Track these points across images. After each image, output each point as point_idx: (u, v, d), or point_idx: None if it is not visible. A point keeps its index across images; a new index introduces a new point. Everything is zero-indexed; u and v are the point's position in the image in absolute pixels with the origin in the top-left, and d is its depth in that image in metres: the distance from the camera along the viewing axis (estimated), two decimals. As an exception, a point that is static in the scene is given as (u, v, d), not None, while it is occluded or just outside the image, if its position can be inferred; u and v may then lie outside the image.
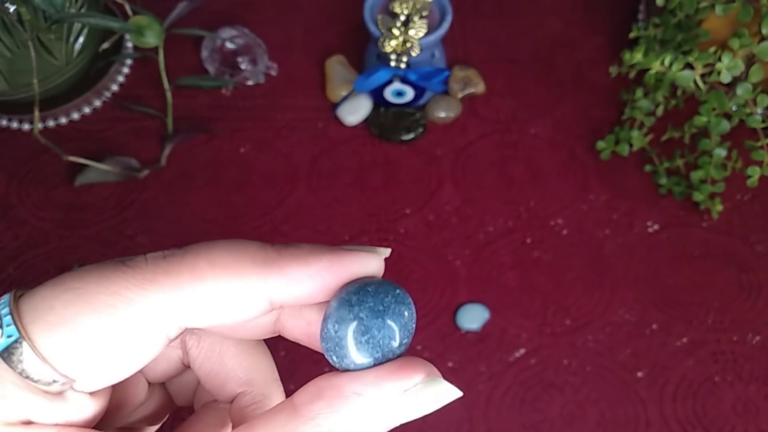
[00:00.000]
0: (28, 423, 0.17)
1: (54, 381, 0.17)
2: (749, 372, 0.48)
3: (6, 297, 0.17)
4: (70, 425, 0.18)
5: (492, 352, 0.49)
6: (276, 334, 0.22)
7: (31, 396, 0.17)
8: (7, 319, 0.17)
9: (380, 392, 0.17)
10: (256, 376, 0.22)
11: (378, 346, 0.18)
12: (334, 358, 0.19)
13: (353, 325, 0.18)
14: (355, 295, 0.18)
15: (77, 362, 0.17)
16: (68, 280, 0.17)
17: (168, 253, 0.18)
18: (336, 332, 0.18)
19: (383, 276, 0.19)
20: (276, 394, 0.23)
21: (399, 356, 0.18)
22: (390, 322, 0.18)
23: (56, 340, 0.17)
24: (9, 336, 0.16)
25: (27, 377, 0.17)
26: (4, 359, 0.17)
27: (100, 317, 0.17)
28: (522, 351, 0.49)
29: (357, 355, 0.18)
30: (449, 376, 0.48)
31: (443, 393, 0.18)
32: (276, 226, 0.54)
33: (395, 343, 0.18)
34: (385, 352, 0.18)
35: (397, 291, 0.19)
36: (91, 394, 0.18)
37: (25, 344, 0.17)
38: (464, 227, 0.53)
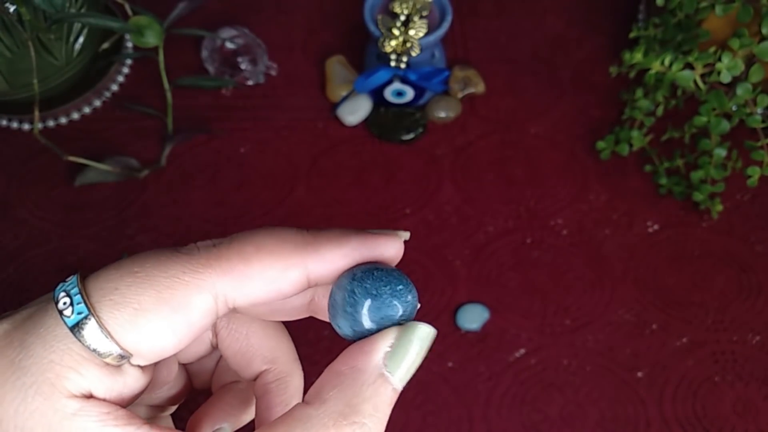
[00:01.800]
0: (89, 396, 0.19)
1: (116, 355, 0.19)
2: (749, 372, 0.48)
3: (73, 278, 0.20)
4: (121, 399, 0.19)
5: (492, 352, 0.49)
6: (309, 315, 0.24)
7: (95, 369, 0.19)
8: (77, 297, 0.19)
9: (372, 356, 0.19)
10: (280, 355, 0.24)
11: (376, 318, 0.20)
12: (339, 324, 0.20)
13: (368, 301, 0.20)
14: (362, 273, 0.20)
15: (137, 338, 0.19)
16: (129, 264, 0.20)
17: (216, 241, 0.20)
18: (341, 302, 0.20)
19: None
20: (297, 372, 0.24)
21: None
22: (391, 300, 0.20)
23: (120, 317, 0.19)
24: (79, 313, 0.19)
25: (93, 350, 0.19)
26: (74, 334, 0.19)
27: (159, 298, 0.19)
28: (522, 351, 0.49)
29: (367, 321, 0.20)
30: (449, 376, 0.48)
31: (420, 335, 0.20)
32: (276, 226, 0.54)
33: (395, 316, 0.20)
34: (383, 322, 0.20)
35: (398, 275, 0.21)
36: (142, 368, 0.20)
37: (93, 320, 0.19)
38: (464, 227, 0.53)
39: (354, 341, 0.20)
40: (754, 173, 0.47)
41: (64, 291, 0.20)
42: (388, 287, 0.20)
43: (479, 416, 0.47)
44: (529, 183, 0.55)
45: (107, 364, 0.19)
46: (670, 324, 0.50)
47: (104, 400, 0.19)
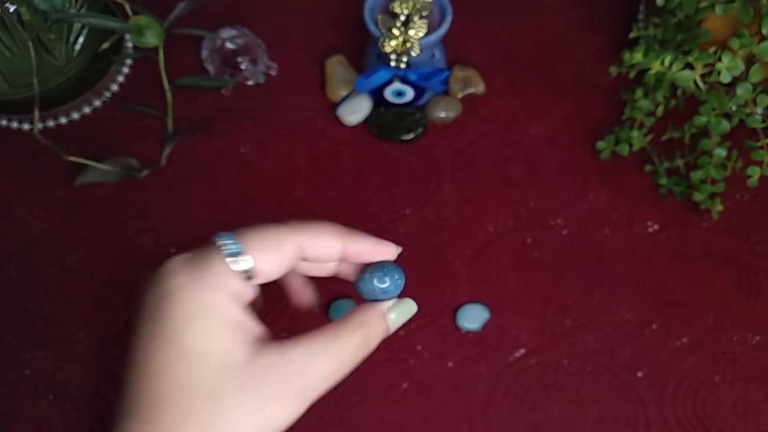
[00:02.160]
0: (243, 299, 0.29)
1: (249, 273, 0.29)
2: (749, 372, 0.48)
3: (229, 234, 0.29)
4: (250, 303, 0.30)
5: (492, 352, 0.49)
6: (333, 275, 0.36)
7: (239, 281, 0.29)
8: (235, 239, 0.29)
9: (381, 306, 0.32)
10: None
11: (384, 291, 0.33)
12: (362, 292, 0.33)
13: (376, 279, 0.33)
14: (378, 268, 0.33)
15: (262, 264, 0.30)
16: (258, 227, 0.30)
17: (302, 220, 0.32)
18: (368, 280, 0.33)
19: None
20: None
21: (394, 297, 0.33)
22: (393, 281, 0.33)
23: (256, 252, 0.29)
24: (238, 248, 0.29)
25: (243, 272, 0.29)
26: (229, 262, 0.29)
27: (273, 246, 0.30)
28: (522, 351, 0.49)
29: (377, 291, 0.33)
30: (449, 375, 0.48)
31: (408, 306, 0.33)
32: (276, 226, 0.54)
33: (394, 291, 0.33)
34: (387, 295, 0.33)
35: (398, 269, 0.34)
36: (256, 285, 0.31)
37: (243, 253, 0.29)
38: (464, 227, 0.53)
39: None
40: (754, 173, 0.47)
41: (225, 237, 0.29)
42: (390, 274, 0.33)
43: (479, 416, 0.47)
44: (529, 183, 0.55)
45: (244, 279, 0.29)
46: (670, 324, 0.50)
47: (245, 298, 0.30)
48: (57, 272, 0.52)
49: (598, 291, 0.51)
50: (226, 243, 0.29)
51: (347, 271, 0.35)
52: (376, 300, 0.33)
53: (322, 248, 0.31)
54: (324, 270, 0.35)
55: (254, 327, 0.29)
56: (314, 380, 0.28)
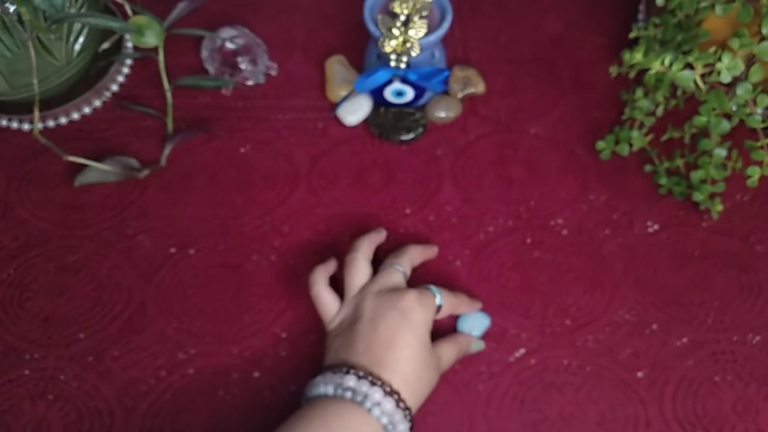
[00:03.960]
0: None
1: (438, 311, 0.47)
2: (749, 372, 0.48)
3: (436, 288, 0.47)
4: None
5: (492, 352, 0.49)
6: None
7: (435, 313, 0.47)
8: (439, 298, 0.47)
9: (467, 336, 0.50)
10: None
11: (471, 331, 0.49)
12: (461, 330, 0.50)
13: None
14: (468, 318, 0.51)
15: (444, 311, 0.48)
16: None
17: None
18: (463, 325, 0.50)
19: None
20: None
21: None
22: (477, 329, 0.51)
23: (445, 307, 0.48)
24: (439, 301, 0.47)
25: (437, 308, 0.47)
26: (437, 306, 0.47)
27: (453, 309, 0.49)
28: (522, 351, 0.49)
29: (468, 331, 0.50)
30: (449, 376, 0.48)
31: (479, 345, 0.49)
32: (276, 226, 0.54)
33: (478, 332, 0.50)
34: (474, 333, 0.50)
35: (483, 317, 0.50)
36: None
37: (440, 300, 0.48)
38: (464, 227, 0.53)
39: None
40: (754, 173, 0.47)
41: (435, 292, 0.47)
42: (478, 324, 0.50)
43: (479, 416, 0.47)
44: (529, 183, 0.55)
45: (436, 312, 0.48)
46: (670, 324, 0.50)
47: None
48: (57, 272, 0.52)
49: (598, 291, 0.51)
50: (436, 293, 0.46)
51: None
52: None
53: (460, 310, 0.49)
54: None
55: None
56: (445, 364, 0.46)
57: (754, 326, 0.50)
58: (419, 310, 0.44)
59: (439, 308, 0.46)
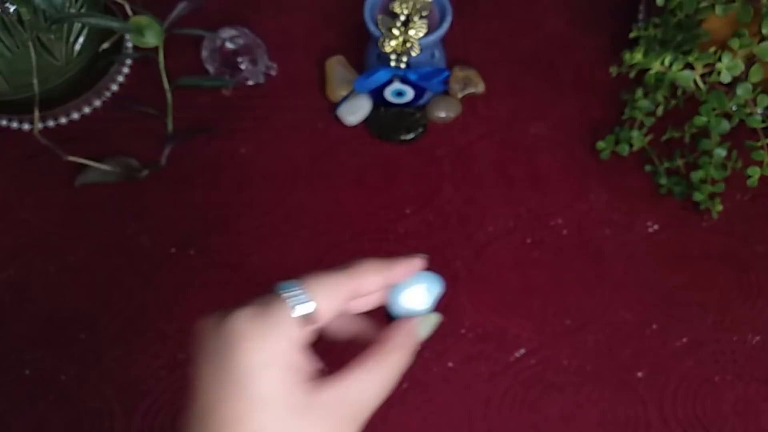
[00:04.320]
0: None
1: (311, 320, 0.31)
2: (749, 372, 0.48)
3: (292, 283, 0.31)
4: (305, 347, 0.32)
5: (492, 352, 0.49)
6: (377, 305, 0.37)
7: (302, 328, 0.31)
8: (305, 296, 0.31)
9: (412, 322, 0.35)
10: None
11: (411, 311, 0.35)
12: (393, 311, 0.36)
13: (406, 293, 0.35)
14: (404, 288, 0.36)
15: (328, 311, 0.32)
16: (318, 281, 0.32)
17: (349, 264, 0.33)
18: (396, 298, 0.35)
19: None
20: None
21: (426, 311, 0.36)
22: (421, 299, 0.36)
23: (317, 299, 0.31)
24: (304, 302, 0.31)
25: (305, 317, 0.31)
26: (298, 311, 0.31)
27: (343, 292, 0.32)
28: (522, 351, 0.49)
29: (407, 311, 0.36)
30: (449, 375, 0.48)
31: (434, 320, 0.36)
32: (276, 226, 0.54)
33: (425, 307, 0.36)
34: (416, 312, 0.36)
35: (429, 282, 0.36)
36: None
37: (311, 302, 0.31)
38: (464, 227, 0.53)
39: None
40: (754, 173, 0.47)
41: (291, 291, 0.31)
42: (418, 293, 0.36)
43: (479, 416, 0.47)
44: (529, 183, 0.55)
45: (306, 324, 0.31)
46: (670, 324, 0.50)
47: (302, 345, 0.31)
48: (57, 272, 0.52)
49: (598, 291, 0.51)
50: (294, 292, 0.31)
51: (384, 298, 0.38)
52: (408, 315, 0.36)
53: (370, 287, 0.34)
54: (368, 305, 0.37)
55: (310, 366, 0.31)
56: (366, 406, 0.32)
57: (754, 326, 0.50)
58: (257, 346, 0.29)
59: (310, 317, 0.31)
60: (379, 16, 0.53)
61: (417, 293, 0.36)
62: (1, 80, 0.52)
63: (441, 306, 0.52)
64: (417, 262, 0.35)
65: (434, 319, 0.36)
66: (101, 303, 0.51)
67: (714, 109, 0.47)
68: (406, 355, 0.34)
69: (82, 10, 0.52)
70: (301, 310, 0.31)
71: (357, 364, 0.32)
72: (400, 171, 0.56)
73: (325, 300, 0.32)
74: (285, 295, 0.31)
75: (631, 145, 0.54)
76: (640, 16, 0.61)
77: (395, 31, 0.52)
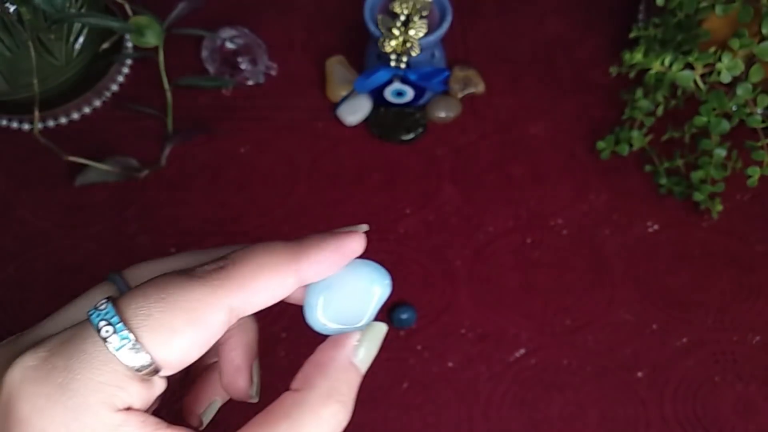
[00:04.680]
0: (128, 409, 0.22)
1: (151, 370, 0.22)
2: (749, 372, 0.48)
3: (108, 307, 0.22)
4: (149, 405, 0.23)
5: (492, 352, 0.49)
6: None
7: (136, 384, 0.22)
8: (120, 326, 0.22)
9: (344, 349, 0.25)
10: None
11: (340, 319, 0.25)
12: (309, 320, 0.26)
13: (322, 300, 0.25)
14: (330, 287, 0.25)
15: (170, 354, 0.22)
16: (154, 291, 0.22)
17: (222, 263, 0.23)
18: (316, 306, 0.25)
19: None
20: (253, 318, 0.28)
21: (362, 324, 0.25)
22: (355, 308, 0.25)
23: (157, 339, 0.22)
24: (123, 339, 0.21)
25: (137, 370, 0.22)
26: (118, 357, 0.21)
27: (188, 319, 0.22)
28: (522, 351, 0.49)
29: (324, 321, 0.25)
30: (449, 376, 0.48)
31: (378, 332, 0.26)
32: (276, 226, 0.54)
33: (360, 320, 0.25)
34: (348, 322, 0.25)
35: (370, 276, 0.25)
36: (164, 377, 0.23)
37: (134, 344, 0.21)
38: (464, 227, 0.53)
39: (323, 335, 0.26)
40: (754, 173, 0.47)
41: (104, 320, 0.22)
42: (350, 296, 0.26)
43: (479, 416, 0.47)
44: (529, 183, 0.55)
45: (143, 379, 0.22)
46: (670, 324, 0.50)
47: (139, 410, 0.22)
48: (57, 272, 0.52)
49: (598, 291, 0.51)
50: (109, 327, 0.21)
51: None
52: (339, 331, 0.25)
53: (268, 295, 0.23)
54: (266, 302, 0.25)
55: None
56: None
57: (754, 326, 0.50)
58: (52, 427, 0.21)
59: (149, 371, 0.22)
60: (379, 16, 0.53)
61: (350, 296, 0.24)
62: (1, 80, 0.52)
63: (441, 307, 0.52)
64: (349, 243, 0.24)
65: (379, 331, 0.25)
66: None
67: (714, 109, 0.47)
68: (347, 402, 0.24)
69: (82, 10, 0.52)
70: (132, 357, 0.21)
71: (263, 426, 0.23)
72: (400, 171, 0.56)
73: (174, 338, 0.21)
74: (102, 325, 0.21)
75: (631, 145, 0.54)
76: (640, 16, 0.61)
77: (395, 31, 0.52)
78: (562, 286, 0.51)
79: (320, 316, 0.25)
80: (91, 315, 0.22)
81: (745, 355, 0.49)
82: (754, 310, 0.50)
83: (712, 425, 0.46)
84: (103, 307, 0.22)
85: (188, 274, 0.23)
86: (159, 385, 0.23)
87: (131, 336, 0.21)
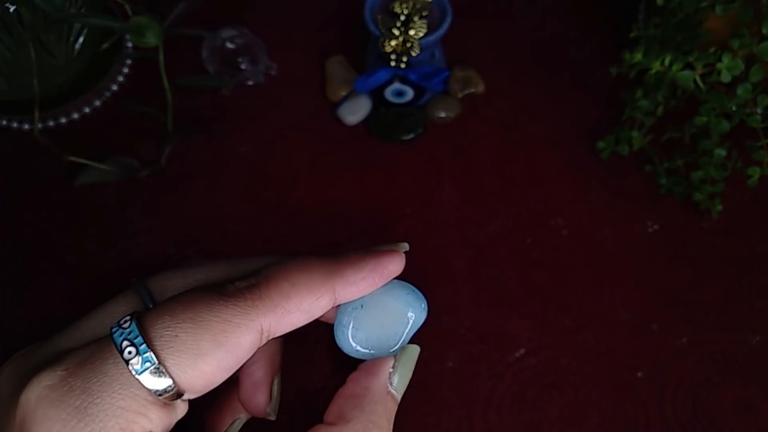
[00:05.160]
0: None
1: (173, 392, 0.20)
2: (749, 372, 0.48)
3: (132, 325, 0.21)
4: (170, 427, 0.21)
5: (492, 352, 0.49)
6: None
7: (157, 410, 0.20)
8: (143, 347, 0.20)
9: (380, 378, 0.23)
10: None
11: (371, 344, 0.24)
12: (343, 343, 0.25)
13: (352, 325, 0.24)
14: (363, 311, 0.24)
15: (196, 378, 0.21)
16: (182, 309, 0.21)
17: (253, 280, 0.22)
18: (348, 328, 0.24)
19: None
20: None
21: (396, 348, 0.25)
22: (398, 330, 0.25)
23: (182, 362, 0.20)
24: (147, 362, 0.20)
25: (159, 395, 0.20)
26: (140, 380, 0.20)
27: (216, 341, 0.21)
28: (522, 351, 0.49)
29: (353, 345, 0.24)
30: (449, 376, 0.48)
31: (411, 356, 0.25)
32: (276, 226, 0.54)
33: (392, 345, 0.24)
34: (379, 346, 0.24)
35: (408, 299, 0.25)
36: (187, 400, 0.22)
37: (159, 367, 0.20)
38: (464, 227, 0.53)
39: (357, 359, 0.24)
40: (754, 173, 0.47)
41: (127, 340, 0.20)
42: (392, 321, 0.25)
43: (479, 416, 0.47)
44: (529, 183, 0.55)
45: (164, 402, 0.21)
46: (670, 324, 0.50)
47: None
48: (57, 272, 0.52)
49: (598, 291, 0.51)
50: (132, 348, 0.20)
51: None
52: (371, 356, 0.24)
53: (302, 316, 0.22)
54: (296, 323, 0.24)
55: None
56: None
57: (754, 326, 0.50)
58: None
59: (172, 395, 0.21)
60: (379, 16, 0.53)
61: (383, 320, 0.23)
62: (1, 80, 0.52)
63: (440, 307, 0.52)
64: (388, 263, 0.23)
65: (413, 355, 0.26)
66: (101, 303, 0.51)
67: (714, 109, 0.47)
68: (390, 420, 0.23)
69: (82, 10, 0.52)
70: (154, 381, 0.20)
71: None
72: (400, 171, 0.56)
73: (200, 361, 0.20)
74: (125, 346, 0.20)
75: (631, 145, 0.54)
76: (640, 16, 0.61)
77: (395, 31, 0.52)
78: (562, 286, 0.51)
79: (351, 339, 0.24)
80: (114, 333, 0.21)
81: (745, 355, 0.49)
82: (754, 310, 0.50)
83: (712, 425, 0.46)
84: (126, 325, 0.21)
85: (218, 293, 0.21)
86: (181, 409, 0.22)
87: (154, 358, 0.20)
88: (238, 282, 0.22)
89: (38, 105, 0.51)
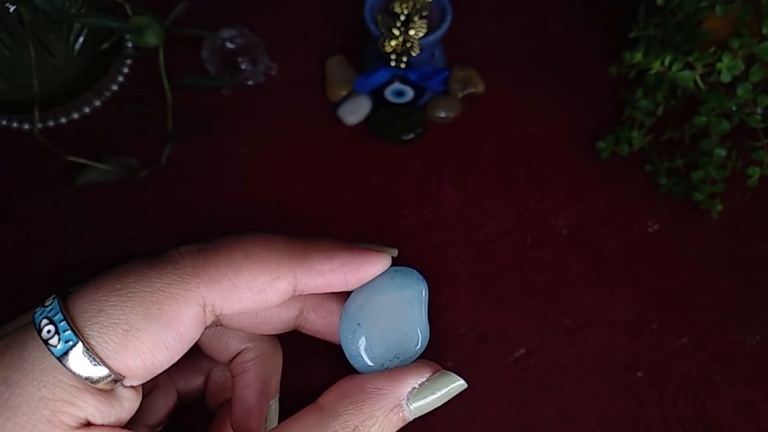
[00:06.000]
0: (87, 425, 0.18)
1: (109, 380, 0.18)
2: (749, 372, 0.48)
3: (54, 302, 0.18)
4: (119, 420, 0.19)
5: (492, 352, 0.49)
6: (294, 329, 0.23)
7: (89, 397, 0.18)
8: (63, 324, 0.17)
9: (399, 387, 0.19)
10: (258, 337, 0.23)
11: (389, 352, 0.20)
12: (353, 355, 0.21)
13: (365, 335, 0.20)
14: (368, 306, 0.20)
15: (130, 359, 0.18)
16: (109, 281, 0.19)
17: (201, 246, 0.19)
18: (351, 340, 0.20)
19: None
20: (277, 348, 0.24)
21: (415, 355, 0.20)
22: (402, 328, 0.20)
23: (110, 340, 0.18)
24: (67, 341, 0.17)
25: (86, 379, 0.17)
26: (63, 364, 0.17)
27: (148, 314, 0.18)
28: (522, 351, 0.49)
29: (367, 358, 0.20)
30: (449, 376, 0.48)
31: (450, 385, 0.20)
32: (276, 226, 0.54)
33: (415, 346, 0.20)
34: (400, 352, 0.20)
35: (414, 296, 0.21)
36: (134, 388, 0.19)
37: (82, 347, 0.17)
38: (464, 227, 0.53)
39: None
40: (754, 173, 0.47)
41: (47, 318, 0.18)
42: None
43: (479, 416, 0.47)
44: (529, 183, 0.55)
45: (100, 390, 0.18)
46: (670, 324, 0.50)
47: (102, 425, 0.18)
48: (57, 272, 0.52)
49: (598, 291, 0.51)
50: (51, 327, 0.17)
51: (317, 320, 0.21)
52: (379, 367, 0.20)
53: (253, 295, 0.19)
54: (275, 324, 0.21)
55: None
56: None
57: (754, 326, 0.50)
58: None
59: (108, 383, 0.18)
60: (379, 16, 0.53)
61: (392, 318, 0.20)
62: (1, 80, 0.52)
63: (440, 307, 0.52)
64: (364, 262, 0.21)
65: (453, 387, 0.21)
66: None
67: (714, 109, 0.47)
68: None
69: (82, 10, 0.52)
70: (81, 364, 0.17)
71: None
72: (400, 171, 0.56)
73: (136, 340, 0.18)
74: (44, 328, 0.18)
75: (631, 145, 0.54)
76: (640, 16, 0.61)
77: (395, 31, 0.52)
78: (562, 285, 0.51)
79: (371, 362, 0.20)
80: (36, 313, 0.19)
81: (745, 355, 0.49)
82: (754, 310, 0.50)
83: (712, 425, 0.46)
84: (48, 303, 0.18)
85: (156, 259, 0.19)
86: (127, 397, 0.19)
87: (75, 337, 0.17)
88: (183, 247, 0.20)
89: (38, 105, 0.51)
